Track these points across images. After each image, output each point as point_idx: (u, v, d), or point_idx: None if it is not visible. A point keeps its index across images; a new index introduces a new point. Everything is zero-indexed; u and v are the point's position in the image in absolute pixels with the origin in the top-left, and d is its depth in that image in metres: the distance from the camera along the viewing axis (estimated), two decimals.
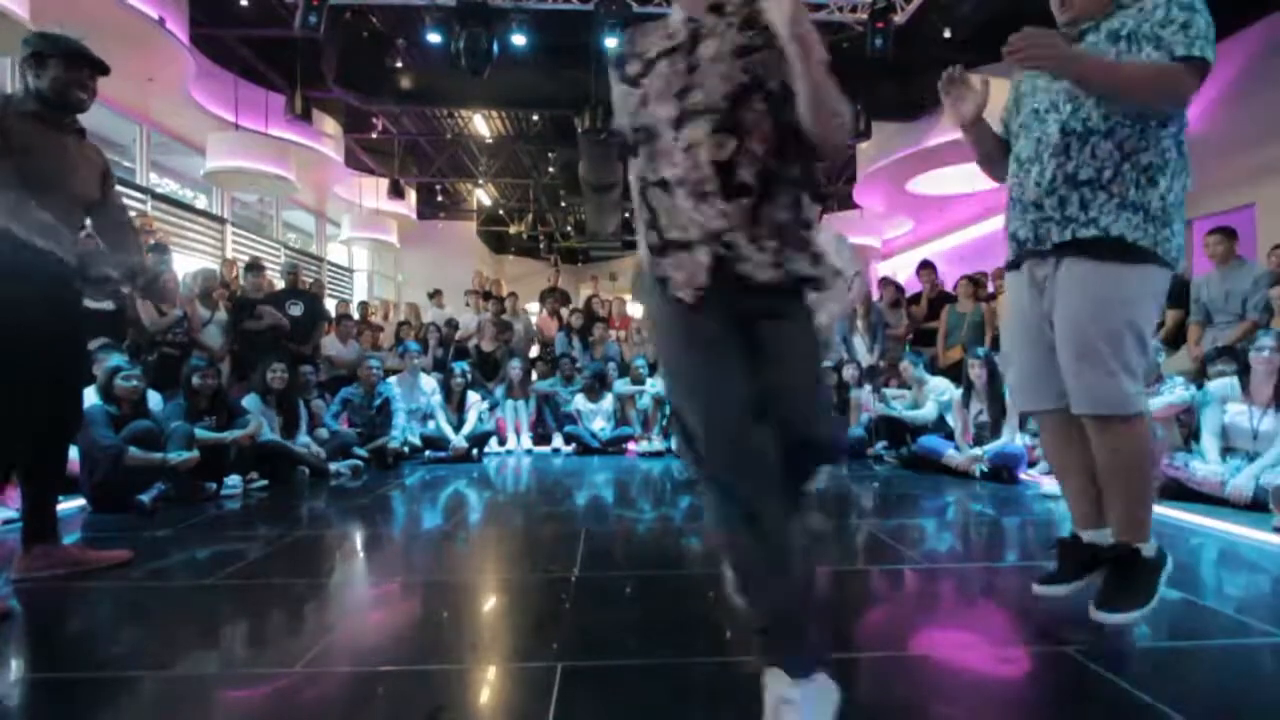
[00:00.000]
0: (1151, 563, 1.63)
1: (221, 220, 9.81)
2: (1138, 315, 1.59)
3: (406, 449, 5.16)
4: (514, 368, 6.25)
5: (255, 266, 5.83)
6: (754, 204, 1.20)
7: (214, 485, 3.67)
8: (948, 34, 7.52)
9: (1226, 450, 3.48)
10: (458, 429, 5.39)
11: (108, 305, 4.26)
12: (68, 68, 2.20)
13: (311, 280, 8.66)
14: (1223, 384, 3.57)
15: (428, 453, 5.30)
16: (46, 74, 2.16)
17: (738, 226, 1.20)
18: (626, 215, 14.60)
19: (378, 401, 5.23)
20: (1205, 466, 3.40)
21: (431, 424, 5.39)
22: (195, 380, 3.83)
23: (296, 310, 5.70)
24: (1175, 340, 4.83)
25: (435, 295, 8.85)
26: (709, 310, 1.20)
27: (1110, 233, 1.58)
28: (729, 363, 1.18)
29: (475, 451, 5.38)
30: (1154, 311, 1.64)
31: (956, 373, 4.73)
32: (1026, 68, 1.69)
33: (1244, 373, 3.48)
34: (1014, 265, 1.81)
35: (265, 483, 4.07)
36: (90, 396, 3.27)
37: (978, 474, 4.21)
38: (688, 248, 1.22)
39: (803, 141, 1.22)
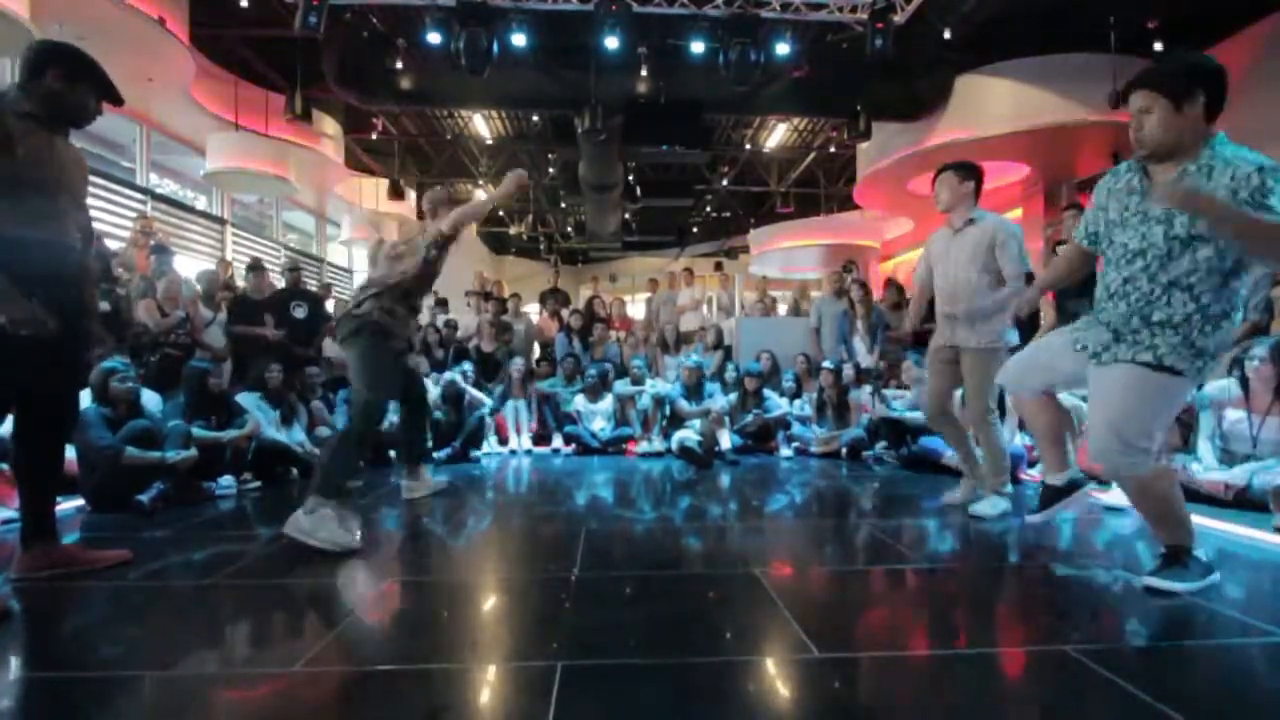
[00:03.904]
0: (1194, 556, 2.04)
1: (221, 221, 9.82)
2: (1164, 414, 2.01)
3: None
4: (515, 367, 6.25)
5: (256, 267, 5.81)
6: None
7: (213, 486, 3.67)
8: (948, 34, 7.52)
9: (1225, 454, 3.47)
10: (458, 428, 5.38)
11: (104, 306, 4.26)
12: (98, 99, 2.23)
13: (318, 285, 8.66)
14: (1218, 386, 3.55)
15: None
16: (74, 92, 2.17)
17: None
18: (626, 215, 14.63)
19: None
20: (1205, 471, 3.40)
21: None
22: (209, 382, 3.90)
23: (301, 312, 5.68)
24: None
25: (441, 304, 8.81)
26: None
27: (1164, 362, 1.90)
28: None
29: (472, 452, 5.37)
30: (1173, 410, 2.09)
31: None
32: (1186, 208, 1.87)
33: (1245, 378, 3.47)
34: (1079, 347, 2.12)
35: (259, 484, 4.07)
36: (85, 398, 3.28)
37: None
38: None
39: None
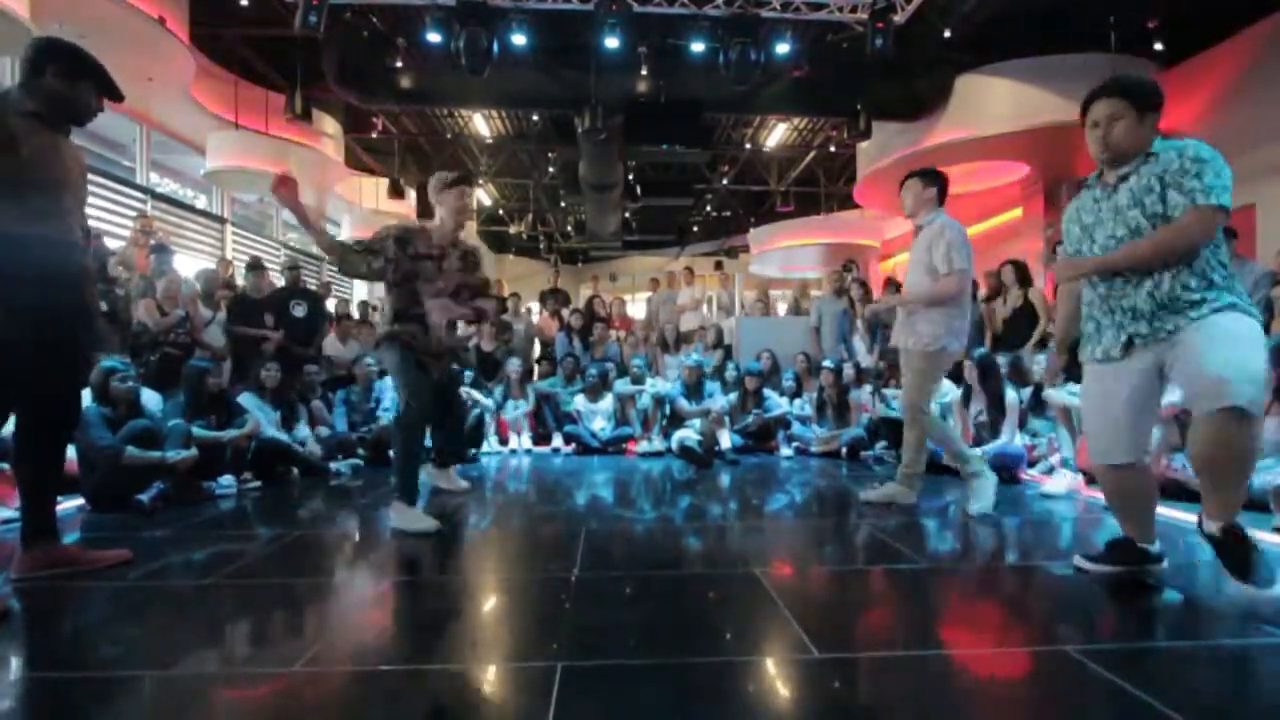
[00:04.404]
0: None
1: (221, 220, 9.81)
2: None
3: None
4: (513, 367, 6.24)
5: (256, 266, 5.81)
6: None
7: (213, 485, 3.67)
8: (948, 34, 7.52)
9: None
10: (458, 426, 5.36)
11: (99, 307, 4.26)
12: (98, 95, 2.23)
13: (318, 284, 8.66)
14: None
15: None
16: (74, 89, 2.16)
17: None
18: (626, 215, 14.62)
19: (374, 399, 5.23)
20: None
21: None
22: (208, 381, 3.90)
23: (301, 311, 5.68)
24: None
25: None
26: None
27: (1237, 305, 1.92)
28: None
29: (472, 452, 5.36)
30: None
31: (957, 373, 4.72)
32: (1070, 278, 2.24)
33: None
34: (1106, 360, 2.11)
35: (259, 484, 4.07)
36: (85, 398, 3.28)
37: None
38: None
39: None
